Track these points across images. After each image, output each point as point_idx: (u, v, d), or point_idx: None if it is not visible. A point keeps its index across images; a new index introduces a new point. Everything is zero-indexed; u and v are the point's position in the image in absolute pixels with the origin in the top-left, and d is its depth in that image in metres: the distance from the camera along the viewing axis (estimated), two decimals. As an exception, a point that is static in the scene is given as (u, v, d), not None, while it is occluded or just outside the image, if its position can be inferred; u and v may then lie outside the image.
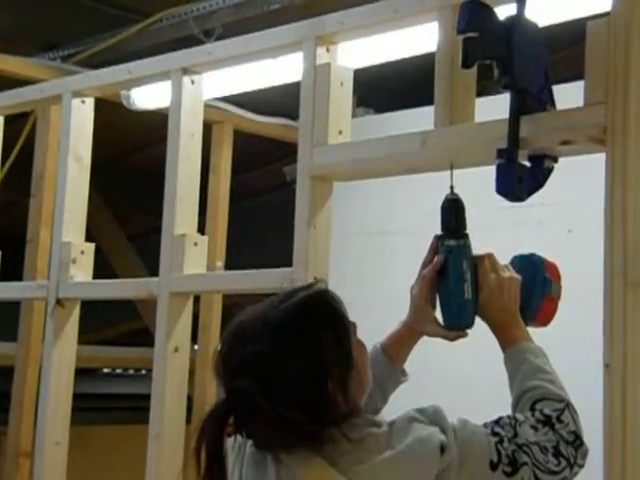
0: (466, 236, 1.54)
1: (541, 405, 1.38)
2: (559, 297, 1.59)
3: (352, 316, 1.36)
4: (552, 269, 1.59)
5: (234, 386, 1.28)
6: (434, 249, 1.55)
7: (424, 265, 1.55)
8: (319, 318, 1.31)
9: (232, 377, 1.29)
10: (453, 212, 1.55)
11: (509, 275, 1.52)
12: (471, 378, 2.74)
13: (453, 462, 1.26)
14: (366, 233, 3.24)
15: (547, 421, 1.36)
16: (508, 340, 1.48)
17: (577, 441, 1.36)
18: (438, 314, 1.55)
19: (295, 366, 1.27)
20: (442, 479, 1.26)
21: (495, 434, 1.31)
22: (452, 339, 1.54)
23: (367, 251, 3.23)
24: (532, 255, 1.60)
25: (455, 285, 1.51)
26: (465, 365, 2.68)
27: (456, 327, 1.53)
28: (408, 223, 3.04)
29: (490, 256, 1.53)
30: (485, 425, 1.34)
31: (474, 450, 1.29)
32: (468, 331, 1.54)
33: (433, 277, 1.53)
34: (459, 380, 2.79)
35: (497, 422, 1.34)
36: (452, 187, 1.57)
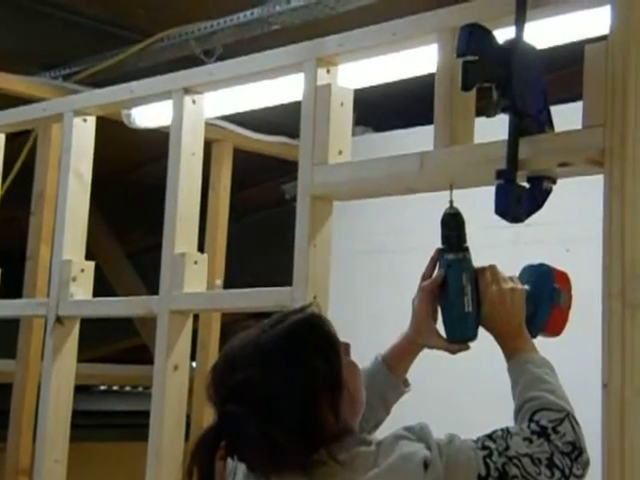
0: (466, 250, 1.55)
1: (539, 415, 1.38)
2: (569, 306, 1.58)
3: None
4: (562, 278, 1.59)
5: (225, 411, 1.29)
6: (434, 261, 1.57)
7: (423, 277, 1.57)
8: (308, 343, 1.32)
9: (223, 402, 1.30)
10: (453, 226, 1.56)
11: (511, 286, 1.52)
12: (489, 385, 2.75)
13: (438, 478, 1.27)
14: (373, 251, 3.25)
15: (542, 432, 1.35)
16: (511, 351, 1.49)
17: (574, 452, 1.36)
18: (440, 327, 1.56)
19: (284, 391, 1.28)
20: None
21: (485, 448, 1.32)
22: (454, 352, 1.55)
23: (374, 269, 3.24)
24: (540, 265, 1.60)
25: (455, 298, 1.52)
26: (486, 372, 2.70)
27: (458, 340, 1.54)
28: (415, 241, 3.05)
29: (492, 268, 1.54)
30: (477, 439, 1.34)
31: (460, 465, 1.29)
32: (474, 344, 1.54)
33: (432, 290, 1.54)
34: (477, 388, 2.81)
35: (490, 436, 1.35)
36: (451, 201, 1.58)
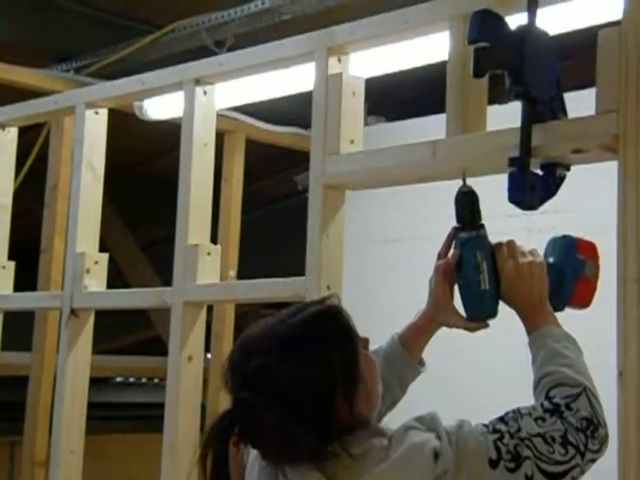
0: (481, 227, 1.53)
1: (555, 392, 1.36)
2: (597, 276, 1.55)
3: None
4: (587, 248, 1.56)
5: (239, 397, 1.29)
6: (450, 239, 1.56)
7: (439, 256, 1.56)
8: (326, 335, 1.31)
9: (238, 388, 1.30)
10: (467, 204, 1.55)
11: (529, 260, 1.49)
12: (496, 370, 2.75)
13: (449, 467, 1.25)
14: (387, 240, 3.25)
15: (555, 410, 1.33)
16: (531, 325, 1.46)
17: (590, 427, 1.33)
18: (459, 305, 1.55)
19: (300, 382, 1.27)
20: None
21: (496, 431, 1.30)
22: (473, 330, 1.54)
23: (388, 258, 3.24)
24: (564, 237, 1.58)
25: (470, 277, 1.51)
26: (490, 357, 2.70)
27: (476, 318, 1.53)
28: (429, 229, 3.04)
29: (509, 243, 1.52)
30: (489, 423, 1.32)
31: (469, 451, 1.27)
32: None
33: (446, 270, 1.53)
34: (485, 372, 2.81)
35: (501, 418, 1.33)
36: (464, 179, 1.57)
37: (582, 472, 1.31)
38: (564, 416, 1.33)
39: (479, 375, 2.85)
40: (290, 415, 1.25)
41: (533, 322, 1.46)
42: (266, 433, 1.26)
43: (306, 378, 1.27)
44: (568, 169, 1.65)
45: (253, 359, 1.29)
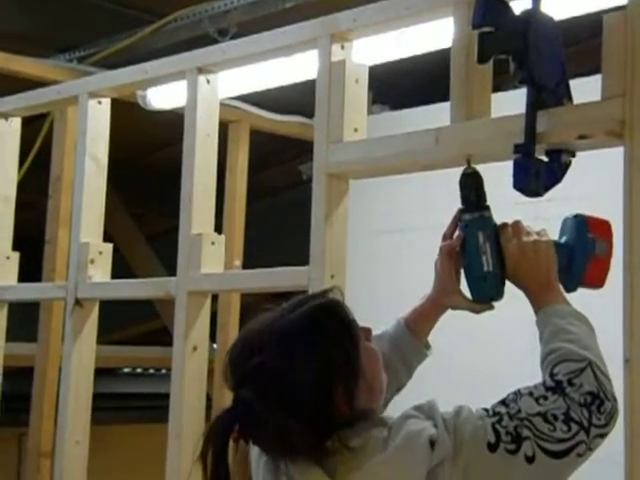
0: (485, 208, 1.53)
1: (559, 368, 1.33)
2: (610, 255, 1.53)
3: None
4: (599, 227, 1.54)
5: (238, 395, 1.29)
6: (455, 221, 1.55)
7: (444, 238, 1.56)
8: (325, 330, 1.30)
9: (238, 385, 1.30)
10: (470, 186, 1.54)
11: (534, 239, 1.48)
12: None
13: (448, 454, 1.24)
14: (377, 231, 3.24)
15: (557, 387, 1.31)
16: (538, 305, 1.44)
17: (595, 402, 1.30)
18: (465, 287, 1.54)
19: (298, 379, 1.27)
20: (437, 473, 1.23)
21: (495, 414, 1.28)
22: (478, 312, 1.54)
23: (379, 249, 3.23)
24: (575, 216, 1.56)
25: (473, 259, 1.50)
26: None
27: (480, 300, 1.52)
28: (420, 220, 3.04)
29: (515, 223, 1.50)
30: (490, 407, 1.30)
31: (467, 436, 1.25)
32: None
33: (450, 251, 1.53)
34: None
35: (502, 401, 1.31)
36: (469, 161, 1.56)
37: (589, 449, 1.28)
38: (566, 392, 1.30)
39: (486, 358, 2.84)
40: (289, 412, 1.25)
41: (540, 302, 1.44)
42: (266, 430, 1.26)
43: (305, 375, 1.26)
44: (574, 155, 1.63)
45: (252, 356, 1.29)
